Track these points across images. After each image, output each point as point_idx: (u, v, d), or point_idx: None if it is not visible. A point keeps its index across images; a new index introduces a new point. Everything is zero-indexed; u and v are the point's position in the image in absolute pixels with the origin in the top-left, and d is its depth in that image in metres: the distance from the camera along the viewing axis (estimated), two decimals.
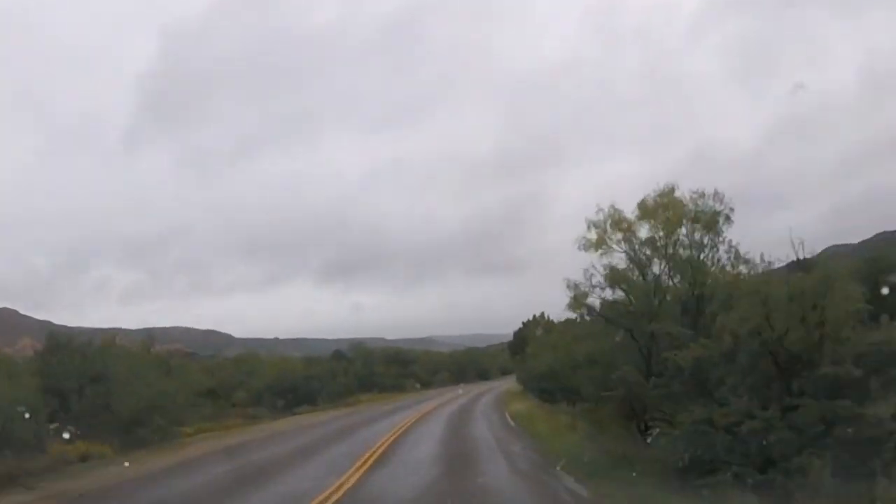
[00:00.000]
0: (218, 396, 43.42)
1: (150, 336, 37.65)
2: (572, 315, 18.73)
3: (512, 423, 27.11)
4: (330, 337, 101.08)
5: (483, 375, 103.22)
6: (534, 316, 44.51)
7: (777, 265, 12.60)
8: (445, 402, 45.38)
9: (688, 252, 15.69)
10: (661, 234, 16.15)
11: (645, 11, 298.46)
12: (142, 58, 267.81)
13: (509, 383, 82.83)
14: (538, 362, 30.64)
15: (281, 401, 43.06)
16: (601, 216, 16.42)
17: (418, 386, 74.92)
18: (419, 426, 26.64)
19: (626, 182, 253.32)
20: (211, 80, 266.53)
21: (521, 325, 45.15)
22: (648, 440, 13.97)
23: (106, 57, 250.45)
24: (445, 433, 23.69)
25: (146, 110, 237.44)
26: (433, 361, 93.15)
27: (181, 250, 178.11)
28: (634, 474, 11.92)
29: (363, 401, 54.12)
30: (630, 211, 16.57)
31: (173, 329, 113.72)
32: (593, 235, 16.40)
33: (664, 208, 16.21)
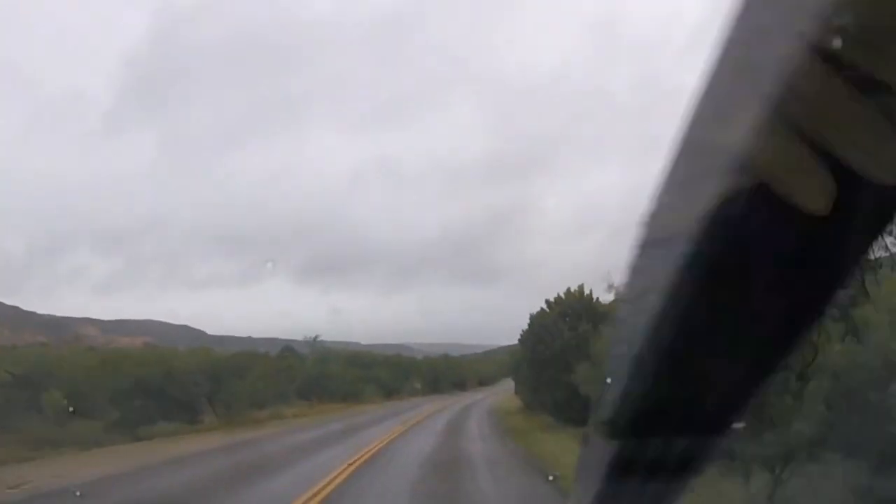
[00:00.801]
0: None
1: None
2: None
3: None
4: (304, 339, 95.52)
5: (459, 385, 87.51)
6: (577, 288, 26.01)
7: None
8: (413, 425, 27.37)
9: None
10: None
11: (645, 23, 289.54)
12: (130, 36, 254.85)
13: (496, 396, 65.85)
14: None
15: (116, 413, 24.55)
16: None
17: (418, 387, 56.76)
18: None
19: (613, 195, 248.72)
20: (199, 64, 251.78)
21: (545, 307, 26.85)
22: None
23: (92, 32, 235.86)
24: None
25: (130, 91, 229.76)
26: (403, 366, 75.15)
27: (159, 240, 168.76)
28: None
29: (288, 415, 35.68)
30: None
31: (147, 322, 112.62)
32: None
33: None
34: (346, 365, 63.86)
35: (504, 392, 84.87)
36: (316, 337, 72.04)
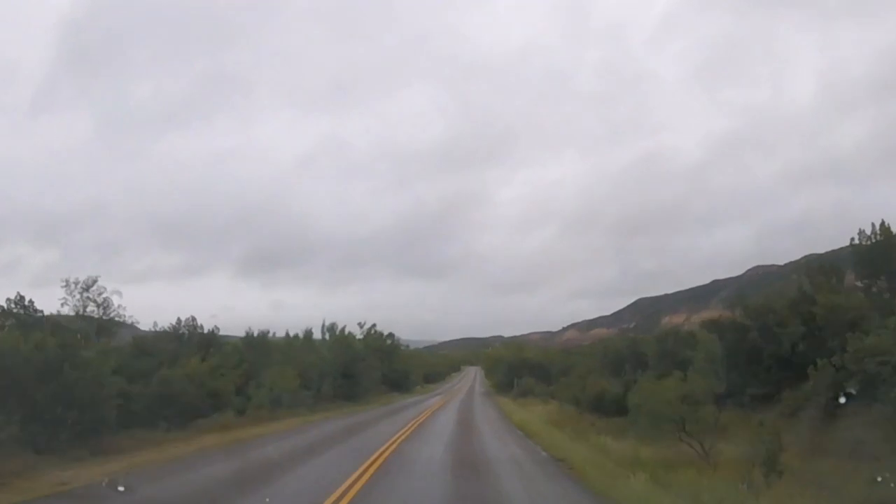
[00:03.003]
0: None
1: None
2: None
3: None
4: (242, 335, 64.90)
5: (398, 385, 53.61)
6: None
7: None
8: None
9: None
10: None
11: (614, 8, 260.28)
12: (62, 4, 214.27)
13: (489, 413, 26.33)
14: None
15: None
16: None
17: None
18: None
19: (569, 187, 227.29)
20: (137, 36, 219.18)
21: None
22: None
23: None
24: None
25: (62, 65, 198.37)
26: (286, 354, 35.06)
27: (93, 229, 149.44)
28: None
29: None
30: None
31: (74, 318, 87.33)
32: None
33: None
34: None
35: (484, 397, 47.07)
36: (90, 284, 31.06)
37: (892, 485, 7.90)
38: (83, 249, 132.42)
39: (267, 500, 8.64)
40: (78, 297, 32.07)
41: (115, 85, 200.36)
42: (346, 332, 38.76)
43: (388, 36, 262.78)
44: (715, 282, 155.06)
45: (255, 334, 35.84)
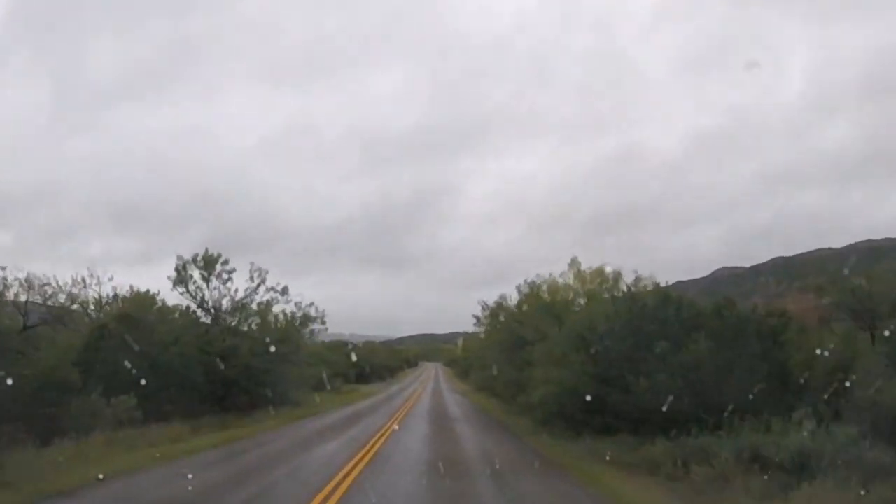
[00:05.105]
0: None
1: None
2: None
3: None
4: None
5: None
6: None
7: None
8: None
9: None
10: None
11: None
12: None
13: None
14: None
15: None
16: None
17: None
18: None
19: (542, 179, 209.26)
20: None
21: None
22: None
23: None
24: None
25: (10, 31, 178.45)
26: None
27: (39, 213, 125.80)
28: None
29: None
30: None
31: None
32: None
33: None
34: None
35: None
36: None
37: None
38: (26, 234, 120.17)
39: None
40: None
41: (66, 53, 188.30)
42: None
43: (364, 11, 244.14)
44: (678, 283, 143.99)
45: None
